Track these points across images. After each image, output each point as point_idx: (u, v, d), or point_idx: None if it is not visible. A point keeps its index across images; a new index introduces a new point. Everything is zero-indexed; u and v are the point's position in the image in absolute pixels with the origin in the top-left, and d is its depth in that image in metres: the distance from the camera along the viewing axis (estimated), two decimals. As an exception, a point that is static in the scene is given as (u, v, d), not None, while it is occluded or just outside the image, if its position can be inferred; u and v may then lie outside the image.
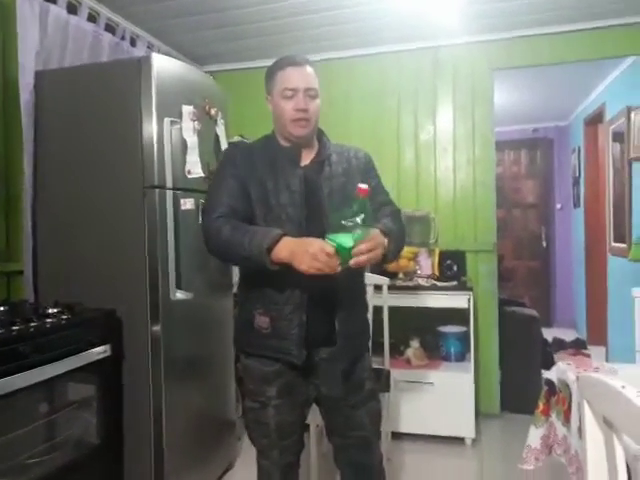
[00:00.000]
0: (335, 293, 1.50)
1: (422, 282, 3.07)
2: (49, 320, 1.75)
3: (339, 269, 1.31)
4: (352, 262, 1.30)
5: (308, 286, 1.44)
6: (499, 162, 5.85)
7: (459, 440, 2.94)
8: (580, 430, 1.40)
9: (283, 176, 1.50)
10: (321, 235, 1.34)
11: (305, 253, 1.30)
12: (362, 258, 1.31)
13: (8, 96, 2.20)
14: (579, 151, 5.21)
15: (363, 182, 1.58)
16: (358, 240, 1.29)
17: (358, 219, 1.28)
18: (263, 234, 1.37)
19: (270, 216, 1.48)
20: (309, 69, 1.52)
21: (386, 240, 1.43)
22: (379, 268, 3.11)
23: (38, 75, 2.18)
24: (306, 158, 1.56)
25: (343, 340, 1.51)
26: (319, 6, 2.80)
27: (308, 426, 1.67)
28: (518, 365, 3.40)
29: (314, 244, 1.30)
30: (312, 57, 1.59)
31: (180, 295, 2.09)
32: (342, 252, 1.29)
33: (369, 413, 1.61)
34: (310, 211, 1.49)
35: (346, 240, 1.29)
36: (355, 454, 1.61)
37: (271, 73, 1.54)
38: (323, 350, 1.52)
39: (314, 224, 1.46)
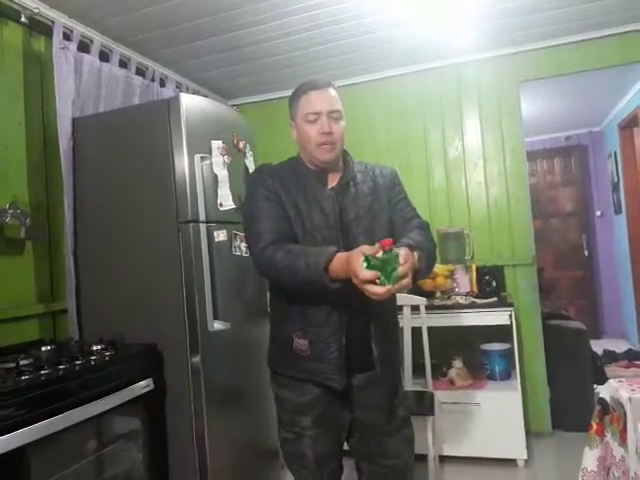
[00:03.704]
0: (371, 317, 1.47)
1: (461, 300, 3.01)
2: (93, 357, 1.79)
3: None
4: (397, 286, 1.22)
5: (347, 308, 1.42)
6: (533, 172, 5.74)
7: (511, 462, 2.83)
8: (638, 451, 1.33)
9: (315, 198, 1.49)
10: None
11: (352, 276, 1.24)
12: (405, 281, 1.22)
13: (48, 145, 2.32)
14: (616, 156, 5.07)
15: (391, 201, 1.57)
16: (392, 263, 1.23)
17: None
18: (317, 254, 1.32)
19: (307, 238, 1.45)
20: (332, 91, 1.51)
21: (416, 255, 1.32)
22: (415, 287, 3.09)
23: (75, 122, 2.28)
24: (333, 180, 1.55)
25: (381, 366, 1.49)
26: (339, 35, 2.85)
27: (346, 451, 1.63)
28: (568, 381, 3.26)
29: (356, 271, 1.22)
30: (335, 83, 1.60)
31: (218, 325, 2.11)
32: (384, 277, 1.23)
33: (404, 440, 1.57)
34: (341, 232, 1.48)
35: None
36: None
37: (294, 99, 1.54)
38: (359, 376, 1.50)
39: (345, 245, 1.44)
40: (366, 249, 1.24)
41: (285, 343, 1.51)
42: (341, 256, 1.29)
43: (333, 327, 1.44)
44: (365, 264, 1.22)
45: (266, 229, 1.43)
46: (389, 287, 1.21)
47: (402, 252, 1.23)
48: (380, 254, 1.23)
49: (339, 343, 1.44)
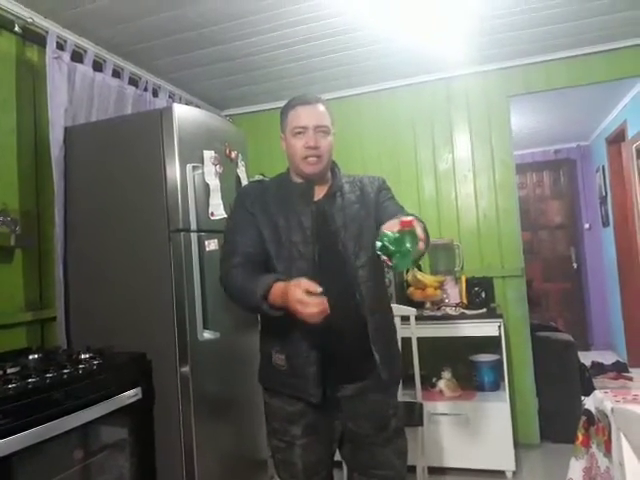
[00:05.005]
0: (358, 327, 1.47)
1: (450, 311, 3.02)
2: (81, 366, 1.78)
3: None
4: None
5: (325, 323, 1.39)
6: (522, 185, 5.80)
7: (499, 473, 2.83)
8: (622, 462, 1.34)
9: (295, 213, 1.52)
10: (336, 270, 1.31)
11: (292, 303, 1.29)
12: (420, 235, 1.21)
13: (40, 152, 2.32)
14: (603, 170, 5.14)
15: (377, 203, 1.57)
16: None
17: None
18: (260, 282, 1.39)
19: (283, 254, 1.49)
20: (321, 107, 1.55)
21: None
22: (405, 298, 3.10)
23: (67, 131, 2.29)
24: (319, 193, 1.58)
25: (371, 376, 1.50)
26: (331, 48, 2.89)
27: (337, 462, 1.63)
28: (556, 392, 3.29)
29: (295, 292, 1.28)
30: (325, 96, 1.63)
31: (208, 335, 2.11)
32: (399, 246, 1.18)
33: (397, 451, 1.57)
34: (323, 245, 1.50)
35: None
36: None
37: (284, 112, 1.58)
38: (349, 387, 1.51)
39: (328, 257, 1.47)
40: (305, 283, 1.29)
41: (267, 358, 1.56)
42: (279, 285, 1.35)
43: (309, 342, 1.46)
44: (379, 243, 1.19)
45: (237, 251, 1.51)
46: (322, 308, 1.24)
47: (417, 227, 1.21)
48: (396, 230, 1.18)
49: (316, 357, 1.45)
